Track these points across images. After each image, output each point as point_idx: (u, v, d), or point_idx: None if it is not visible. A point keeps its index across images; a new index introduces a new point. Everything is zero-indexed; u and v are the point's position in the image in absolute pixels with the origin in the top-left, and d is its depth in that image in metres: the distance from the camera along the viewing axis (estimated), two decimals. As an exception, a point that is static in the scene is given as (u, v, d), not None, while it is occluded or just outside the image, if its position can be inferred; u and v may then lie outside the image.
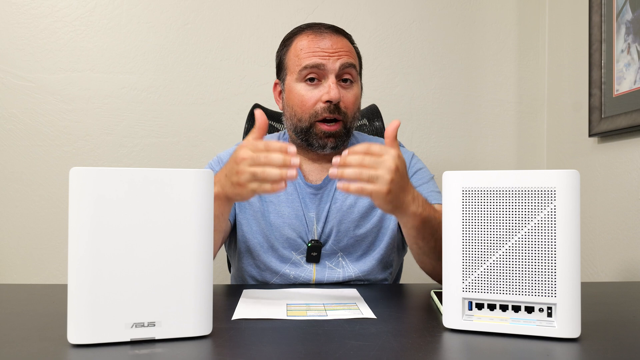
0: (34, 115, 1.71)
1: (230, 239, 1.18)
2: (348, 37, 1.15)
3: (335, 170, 0.82)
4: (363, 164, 0.81)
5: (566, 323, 0.62)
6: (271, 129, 1.41)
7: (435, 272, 1.01)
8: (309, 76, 1.08)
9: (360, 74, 1.17)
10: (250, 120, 1.42)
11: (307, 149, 1.13)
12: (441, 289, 0.82)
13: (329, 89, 1.06)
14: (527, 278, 0.64)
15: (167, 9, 1.77)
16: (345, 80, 1.09)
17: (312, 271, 1.09)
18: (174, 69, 1.77)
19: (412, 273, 1.34)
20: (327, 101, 1.06)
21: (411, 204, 0.87)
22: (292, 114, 1.11)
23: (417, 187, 1.12)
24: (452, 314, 0.67)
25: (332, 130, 1.08)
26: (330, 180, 1.13)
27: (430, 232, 0.92)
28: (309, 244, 1.08)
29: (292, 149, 0.81)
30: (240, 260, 1.13)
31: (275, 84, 1.18)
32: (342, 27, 1.19)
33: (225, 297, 0.91)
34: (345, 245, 1.10)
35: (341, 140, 1.10)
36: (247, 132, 1.41)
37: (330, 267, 1.09)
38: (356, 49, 1.16)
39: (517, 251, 0.64)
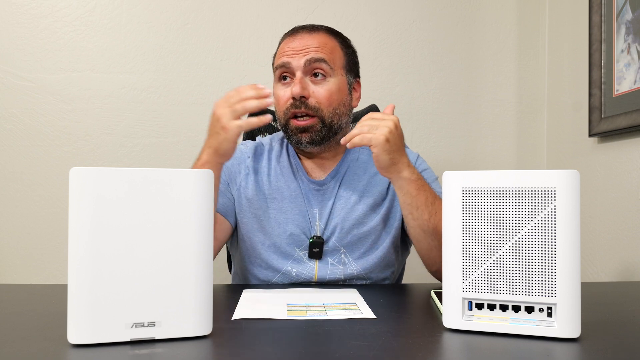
0: (34, 115, 1.71)
1: (233, 237, 1.18)
2: (333, 33, 1.14)
3: (344, 140, 0.96)
4: (365, 124, 0.95)
5: (566, 323, 0.62)
6: (271, 129, 1.41)
7: (431, 254, 1.03)
8: (282, 75, 1.11)
9: (350, 68, 1.15)
10: (250, 120, 1.42)
11: (301, 149, 1.13)
12: (441, 288, 0.82)
13: (292, 86, 1.08)
14: (527, 278, 0.64)
15: (167, 9, 1.77)
16: (316, 75, 1.09)
17: (314, 268, 1.09)
18: (174, 69, 1.77)
19: (413, 274, 1.34)
20: (293, 97, 1.07)
21: (406, 168, 0.97)
22: (276, 115, 1.15)
23: None
24: (452, 314, 0.67)
25: (302, 125, 1.08)
26: (334, 177, 1.13)
27: (424, 202, 0.98)
28: (311, 240, 1.09)
29: (260, 85, 0.92)
30: (242, 259, 1.14)
31: None
32: (342, 27, 1.19)
33: (225, 297, 0.92)
34: (349, 242, 1.10)
35: (318, 136, 1.08)
36: (247, 132, 1.40)
37: (333, 264, 1.09)
38: (344, 44, 1.15)
39: (517, 251, 0.64)
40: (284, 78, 1.11)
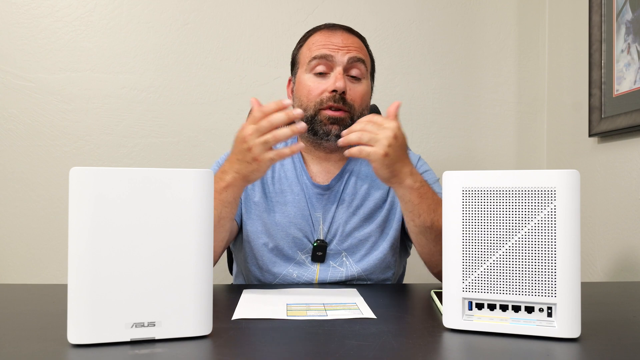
0: (34, 115, 1.71)
1: (237, 238, 1.18)
2: (362, 39, 1.17)
3: (342, 139, 0.93)
4: (365, 129, 0.91)
5: (566, 323, 0.62)
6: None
7: (432, 258, 1.01)
8: (317, 67, 1.10)
9: (372, 76, 1.18)
10: (250, 120, 1.42)
11: (315, 148, 1.13)
12: (441, 289, 0.82)
13: (335, 80, 1.07)
14: (527, 278, 0.64)
15: (167, 9, 1.77)
16: (353, 76, 1.11)
17: (315, 271, 1.09)
18: (174, 69, 1.77)
19: (413, 274, 1.34)
20: (333, 91, 1.07)
21: (408, 177, 0.93)
22: (300, 104, 1.12)
23: None
24: (452, 314, 0.67)
25: (336, 116, 1.08)
26: (338, 181, 1.13)
27: (426, 210, 0.95)
28: (315, 244, 1.09)
29: (287, 101, 0.88)
30: (245, 260, 1.14)
31: (289, 81, 1.21)
32: (342, 27, 1.20)
33: (225, 297, 0.91)
34: (349, 245, 1.10)
35: (345, 129, 1.09)
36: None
37: (334, 267, 1.10)
38: (369, 51, 1.18)
39: (517, 251, 0.64)
40: (320, 73, 1.10)
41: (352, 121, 1.08)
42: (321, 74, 1.10)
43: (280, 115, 0.87)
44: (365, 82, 1.13)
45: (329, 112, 1.08)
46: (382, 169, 0.91)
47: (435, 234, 0.97)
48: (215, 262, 1.01)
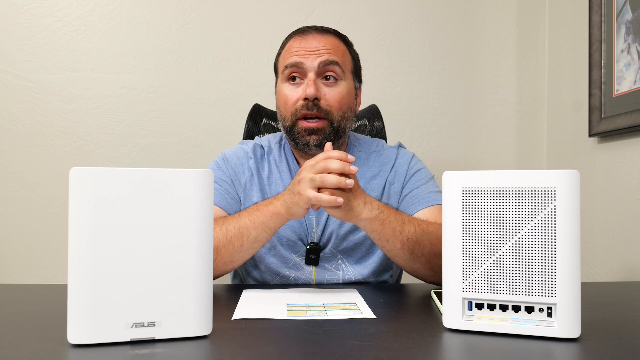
0: (34, 115, 1.72)
1: None
2: (341, 37, 1.14)
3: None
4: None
5: (566, 323, 0.62)
6: (271, 129, 1.41)
7: (417, 273, 1.00)
8: (291, 75, 1.09)
9: (356, 73, 1.16)
10: (250, 120, 1.42)
11: (305, 151, 1.12)
12: (441, 289, 0.82)
13: (306, 87, 1.06)
14: (527, 278, 0.64)
15: (167, 9, 1.77)
16: (327, 78, 1.09)
17: (311, 273, 1.09)
18: (174, 69, 1.77)
19: (412, 273, 1.34)
20: (305, 99, 1.06)
21: (362, 209, 0.90)
22: (280, 115, 1.13)
23: (417, 188, 1.12)
24: (452, 314, 0.67)
25: (312, 127, 1.07)
26: None
27: (391, 234, 0.93)
28: (308, 247, 1.08)
29: (351, 157, 0.86)
30: (243, 261, 1.14)
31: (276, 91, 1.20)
32: (342, 27, 1.19)
33: (225, 297, 0.91)
34: (345, 249, 1.10)
35: (326, 138, 1.07)
36: (247, 132, 1.41)
37: (330, 270, 1.09)
38: (351, 49, 1.15)
39: (517, 251, 0.64)
40: (293, 78, 1.09)
41: (332, 127, 1.08)
42: (296, 82, 1.09)
43: (336, 164, 0.86)
44: (343, 84, 1.10)
45: (305, 124, 1.07)
46: (332, 211, 0.89)
47: (409, 253, 0.94)
48: (225, 274, 1.02)
